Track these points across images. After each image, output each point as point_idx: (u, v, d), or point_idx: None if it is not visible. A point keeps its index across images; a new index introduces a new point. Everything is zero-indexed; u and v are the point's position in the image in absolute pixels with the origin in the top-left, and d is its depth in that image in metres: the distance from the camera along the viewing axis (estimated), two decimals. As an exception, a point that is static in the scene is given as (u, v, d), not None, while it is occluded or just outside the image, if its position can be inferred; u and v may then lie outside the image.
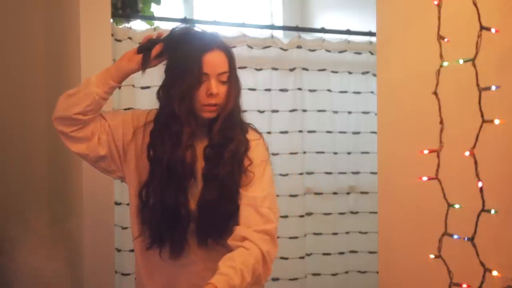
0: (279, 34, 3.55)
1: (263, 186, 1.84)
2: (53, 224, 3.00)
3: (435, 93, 1.60)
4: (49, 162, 3.00)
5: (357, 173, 3.46)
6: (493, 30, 1.46)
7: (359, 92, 3.46)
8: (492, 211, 1.46)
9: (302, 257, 3.34)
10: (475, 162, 1.47)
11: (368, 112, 3.46)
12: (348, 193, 3.47)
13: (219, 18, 3.20)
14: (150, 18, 3.23)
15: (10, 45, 3.03)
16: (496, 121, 1.44)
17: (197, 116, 1.82)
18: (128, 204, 2.10)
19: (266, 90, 3.27)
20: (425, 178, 1.63)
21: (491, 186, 1.48)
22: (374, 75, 3.04)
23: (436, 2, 1.59)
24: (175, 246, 1.85)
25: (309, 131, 3.37)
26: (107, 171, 1.96)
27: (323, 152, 3.40)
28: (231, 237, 1.78)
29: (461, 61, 1.51)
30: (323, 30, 3.40)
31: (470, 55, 1.47)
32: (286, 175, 3.30)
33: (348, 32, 3.43)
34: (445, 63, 1.57)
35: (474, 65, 1.47)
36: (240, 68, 3.21)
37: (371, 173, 3.40)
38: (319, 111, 3.39)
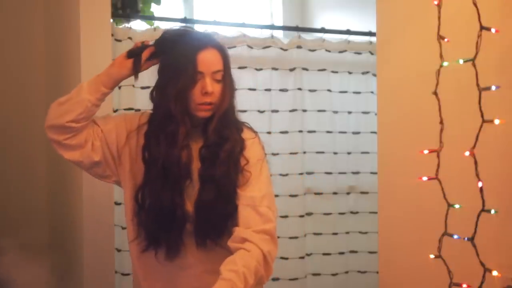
0: (279, 34, 3.55)
1: (261, 186, 1.84)
2: (53, 224, 3.00)
3: (435, 93, 1.60)
4: (49, 162, 3.00)
5: (357, 173, 3.46)
6: (493, 30, 1.46)
7: (359, 92, 3.46)
8: (492, 211, 1.46)
9: (302, 257, 3.34)
10: (475, 162, 1.47)
11: (368, 112, 3.46)
12: (348, 193, 3.46)
13: (219, 18, 3.20)
14: (150, 18, 3.23)
15: (10, 45, 3.03)
16: (496, 121, 1.44)
17: (192, 116, 1.82)
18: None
19: (266, 90, 3.27)
20: (425, 178, 1.63)
21: (491, 186, 1.48)
22: (374, 75, 3.04)
23: (436, 2, 1.59)
24: (171, 248, 1.85)
25: (309, 131, 3.37)
26: (102, 176, 1.95)
27: (323, 152, 3.40)
28: (230, 238, 1.77)
29: (461, 61, 1.51)
30: (323, 30, 3.40)
31: (470, 55, 1.47)
32: (286, 175, 3.30)
33: (348, 32, 3.43)
34: (445, 63, 1.57)
35: (474, 65, 1.47)
36: (240, 68, 3.24)
37: (371, 173, 3.40)
38: (319, 111, 3.39)
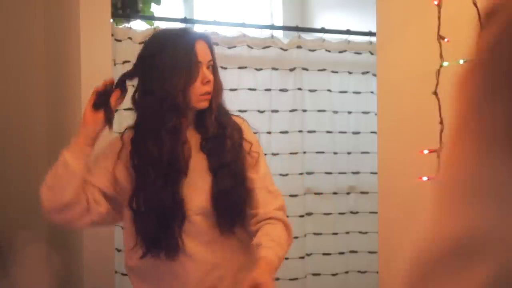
0: (279, 34, 3.55)
1: (264, 164, 1.95)
2: (53, 224, 3.00)
3: (435, 93, 1.60)
4: (49, 162, 3.00)
5: (357, 173, 3.46)
6: (493, 30, 1.46)
7: (359, 92, 3.46)
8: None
9: (302, 257, 3.33)
10: (475, 162, 1.46)
11: (368, 112, 3.46)
12: (348, 193, 3.46)
13: (219, 18, 3.20)
14: (150, 18, 3.23)
15: (10, 45, 3.03)
16: (496, 121, 1.43)
17: (191, 108, 1.85)
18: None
19: (266, 90, 3.27)
20: (425, 178, 1.63)
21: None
22: (374, 75, 3.04)
23: (436, 2, 1.59)
24: (171, 247, 1.84)
25: (309, 131, 3.36)
26: (122, 212, 1.93)
27: (323, 152, 3.39)
28: (253, 222, 1.85)
29: (461, 61, 1.51)
30: (323, 30, 3.40)
31: (470, 55, 1.47)
32: (286, 175, 3.29)
33: (348, 32, 3.43)
34: (445, 63, 1.57)
35: (474, 65, 1.46)
36: (240, 68, 3.24)
37: (371, 173, 3.40)
38: (319, 111, 3.39)
